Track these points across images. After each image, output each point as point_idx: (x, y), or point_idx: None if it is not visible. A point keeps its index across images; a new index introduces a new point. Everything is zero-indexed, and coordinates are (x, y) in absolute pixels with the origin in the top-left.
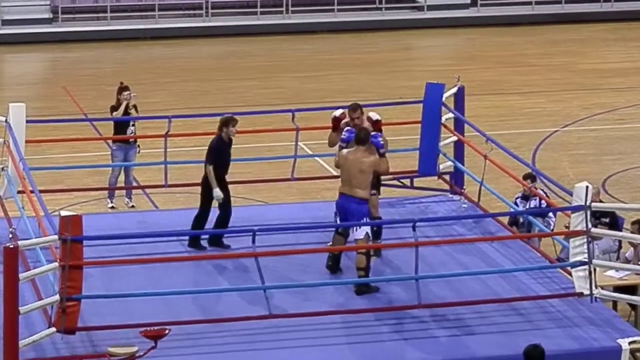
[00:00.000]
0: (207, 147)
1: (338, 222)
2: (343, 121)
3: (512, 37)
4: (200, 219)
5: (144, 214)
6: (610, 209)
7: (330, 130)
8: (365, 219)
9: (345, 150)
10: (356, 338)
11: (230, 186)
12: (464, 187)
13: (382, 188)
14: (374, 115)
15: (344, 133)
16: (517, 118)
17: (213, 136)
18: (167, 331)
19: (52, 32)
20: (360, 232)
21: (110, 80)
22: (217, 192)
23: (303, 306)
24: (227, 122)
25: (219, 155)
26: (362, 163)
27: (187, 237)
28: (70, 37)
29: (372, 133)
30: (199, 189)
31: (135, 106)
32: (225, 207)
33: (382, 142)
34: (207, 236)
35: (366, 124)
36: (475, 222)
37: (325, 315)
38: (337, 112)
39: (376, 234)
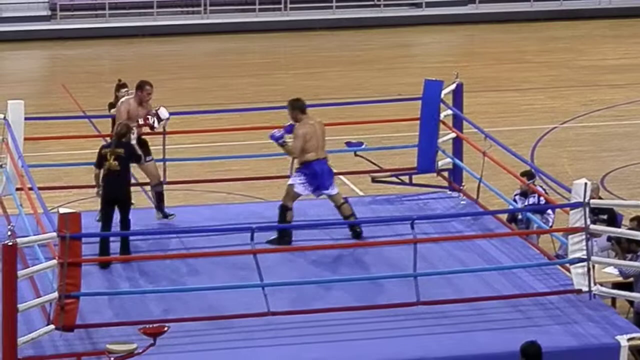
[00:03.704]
0: (126, 154)
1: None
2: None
3: (510, 33)
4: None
5: (141, 211)
6: (609, 206)
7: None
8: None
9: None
10: (355, 335)
11: (229, 183)
12: (463, 183)
13: (379, 185)
14: (163, 113)
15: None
16: (516, 115)
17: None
18: (166, 328)
19: (51, 30)
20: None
21: (109, 78)
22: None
23: (302, 304)
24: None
25: None
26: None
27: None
28: (68, 34)
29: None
30: (197, 185)
31: None
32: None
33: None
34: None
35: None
36: (474, 219)
37: (323, 312)
38: None
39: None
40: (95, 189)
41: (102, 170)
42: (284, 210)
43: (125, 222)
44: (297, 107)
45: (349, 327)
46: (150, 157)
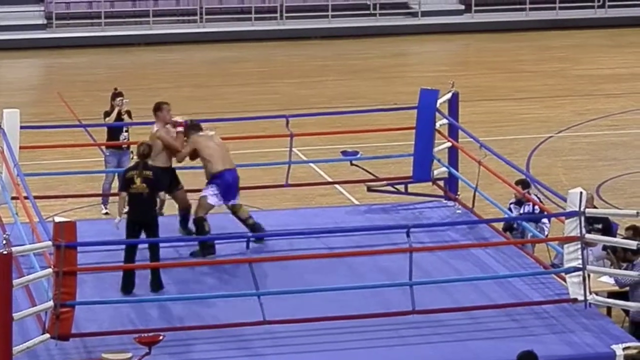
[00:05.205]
0: (154, 177)
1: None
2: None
3: (506, 43)
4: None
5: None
6: (604, 215)
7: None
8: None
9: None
10: (350, 344)
11: None
12: (458, 193)
13: (375, 194)
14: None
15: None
16: (511, 124)
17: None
18: (161, 337)
19: (47, 38)
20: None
21: (105, 86)
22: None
23: (297, 312)
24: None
25: None
26: None
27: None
28: (64, 43)
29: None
30: (192, 194)
31: (128, 112)
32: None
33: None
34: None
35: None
36: (469, 227)
37: (319, 321)
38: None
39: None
40: (118, 214)
41: (126, 194)
42: (201, 222)
43: (153, 245)
44: (193, 128)
45: (345, 335)
46: (180, 186)
